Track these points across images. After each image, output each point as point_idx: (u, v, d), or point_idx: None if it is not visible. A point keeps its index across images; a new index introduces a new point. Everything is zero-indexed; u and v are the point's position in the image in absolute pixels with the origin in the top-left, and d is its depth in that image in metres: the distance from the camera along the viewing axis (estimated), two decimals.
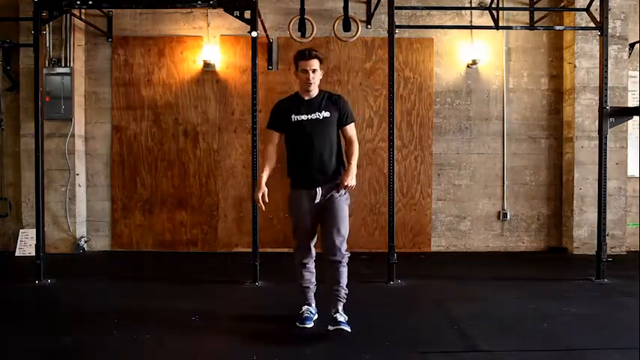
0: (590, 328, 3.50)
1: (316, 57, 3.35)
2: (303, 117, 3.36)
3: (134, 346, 3.19)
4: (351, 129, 3.46)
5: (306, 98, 3.41)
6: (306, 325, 3.34)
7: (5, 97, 6.22)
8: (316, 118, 3.35)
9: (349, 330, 3.22)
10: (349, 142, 3.45)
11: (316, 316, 3.47)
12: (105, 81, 6.23)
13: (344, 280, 3.37)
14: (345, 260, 3.36)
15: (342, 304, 3.37)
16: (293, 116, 3.37)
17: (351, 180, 3.31)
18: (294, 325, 3.38)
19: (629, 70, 6.19)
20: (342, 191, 3.35)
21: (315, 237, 3.46)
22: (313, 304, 3.51)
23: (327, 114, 3.36)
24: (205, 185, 6.23)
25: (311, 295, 3.52)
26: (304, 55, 3.35)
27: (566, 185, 6.21)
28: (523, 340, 3.26)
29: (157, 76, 6.20)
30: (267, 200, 3.41)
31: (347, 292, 3.39)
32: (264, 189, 3.40)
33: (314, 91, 3.41)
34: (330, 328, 3.24)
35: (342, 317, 3.29)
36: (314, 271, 3.52)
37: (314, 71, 3.34)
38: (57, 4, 4.67)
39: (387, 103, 4.81)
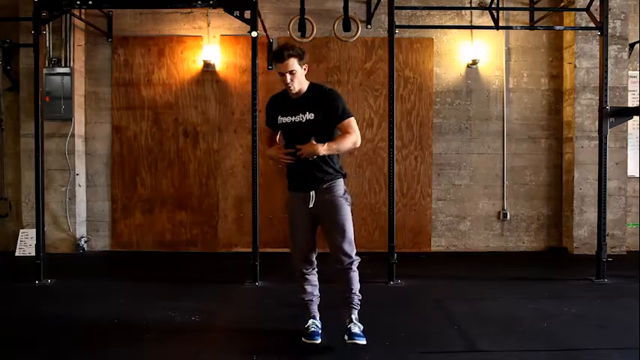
0: (590, 328, 3.50)
1: (291, 56, 2.96)
2: (287, 119, 3.08)
3: (134, 346, 3.18)
4: (346, 124, 3.04)
5: (294, 97, 3.10)
6: (315, 341, 3.09)
7: (5, 97, 6.22)
8: (299, 122, 3.04)
9: (364, 342, 3.00)
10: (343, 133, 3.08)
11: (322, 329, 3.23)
12: (105, 81, 6.23)
13: (356, 286, 3.16)
14: (355, 265, 3.14)
15: (356, 311, 3.17)
16: (279, 118, 3.12)
17: (307, 150, 2.97)
18: (294, 326, 3.35)
19: (629, 70, 6.19)
20: (341, 191, 3.10)
21: (316, 247, 3.22)
22: (318, 317, 3.25)
23: (310, 116, 3.01)
24: (205, 185, 6.23)
25: (315, 308, 3.27)
26: (277, 56, 2.98)
27: (566, 185, 6.21)
28: (523, 340, 3.26)
29: (156, 76, 6.20)
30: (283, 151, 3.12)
31: (360, 297, 3.19)
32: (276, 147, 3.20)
33: (300, 91, 3.08)
34: (347, 340, 3.02)
35: (356, 328, 3.08)
36: (316, 282, 3.28)
37: (292, 72, 2.97)
38: (57, 4, 4.66)
39: (387, 103, 4.81)
